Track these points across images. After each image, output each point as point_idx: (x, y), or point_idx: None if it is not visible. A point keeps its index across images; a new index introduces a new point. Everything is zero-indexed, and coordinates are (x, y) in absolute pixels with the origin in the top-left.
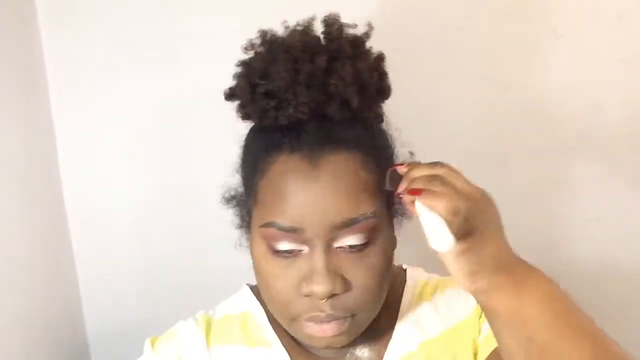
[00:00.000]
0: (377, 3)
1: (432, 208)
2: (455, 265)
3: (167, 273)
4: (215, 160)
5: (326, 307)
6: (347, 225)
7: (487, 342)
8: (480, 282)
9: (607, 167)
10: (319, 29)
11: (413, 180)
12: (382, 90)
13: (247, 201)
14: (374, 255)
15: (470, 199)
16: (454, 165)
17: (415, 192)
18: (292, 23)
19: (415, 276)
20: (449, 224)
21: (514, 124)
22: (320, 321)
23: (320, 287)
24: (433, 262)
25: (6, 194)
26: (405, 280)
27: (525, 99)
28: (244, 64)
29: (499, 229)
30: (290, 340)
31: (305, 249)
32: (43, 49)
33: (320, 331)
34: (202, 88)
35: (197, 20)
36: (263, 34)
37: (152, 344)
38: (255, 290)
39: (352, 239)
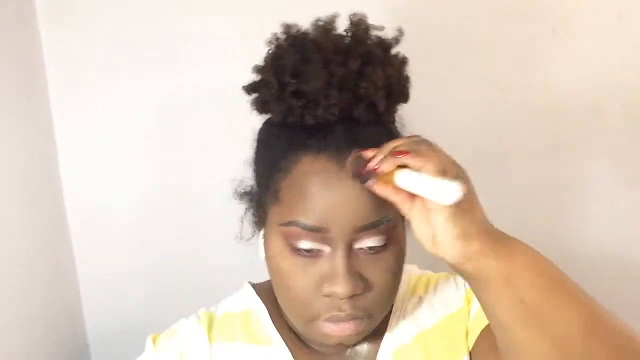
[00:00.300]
0: (377, 3)
1: (420, 168)
2: (446, 226)
3: (167, 273)
4: (215, 160)
5: (346, 306)
6: (370, 228)
7: (476, 323)
8: (472, 245)
9: (607, 167)
10: (340, 26)
11: (394, 147)
12: (405, 95)
13: (262, 198)
14: (390, 256)
15: (455, 163)
16: None
17: (401, 152)
18: (297, 21)
19: (409, 272)
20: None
21: (514, 124)
22: (339, 320)
23: (342, 287)
24: (427, 262)
25: (6, 194)
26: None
27: (525, 99)
28: (274, 59)
29: (478, 199)
30: (292, 338)
31: (327, 249)
32: (43, 49)
33: (338, 330)
34: (201, 88)
35: (197, 20)
36: (287, 28)
37: (154, 341)
38: (257, 288)
39: (372, 241)
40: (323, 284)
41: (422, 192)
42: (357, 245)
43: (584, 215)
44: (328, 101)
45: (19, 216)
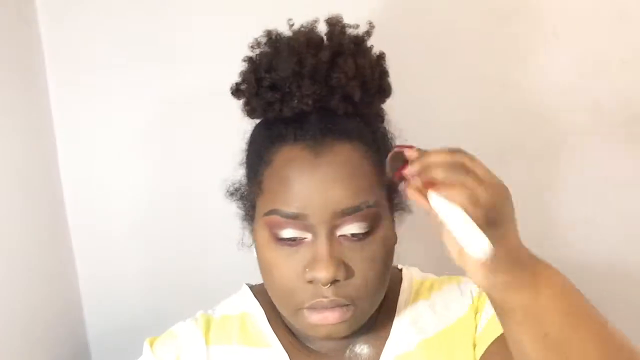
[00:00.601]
0: (377, 3)
1: (450, 199)
2: (474, 259)
3: (167, 273)
4: (216, 160)
5: (329, 292)
6: (349, 213)
7: (486, 335)
8: (501, 278)
9: (606, 168)
10: (322, 30)
11: (428, 166)
12: (383, 89)
13: (251, 193)
14: (375, 245)
15: (493, 189)
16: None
17: (430, 184)
18: (292, 21)
19: (411, 276)
20: (471, 216)
21: (513, 124)
22: (323, 307)
23: (323, 272)
24: (436, 262)
25: (6, 194)
26: (400, 279)
27: (524, 99)
28: (250, 59)
29: (515, 222)
30: (290, 340)
31: (309, 236)
32: (43, 49)
33: (323, 319)
34: (202, 88)
35: (197, 20)
36: (268, 33)
37: (151, 344)
38: (254, 290)
39: (354, 227)
40: (305, 270)
41: (452, 228)
42: (340, 232)
43: (583, 215)
44: (301, 92)
45: (19, 216)
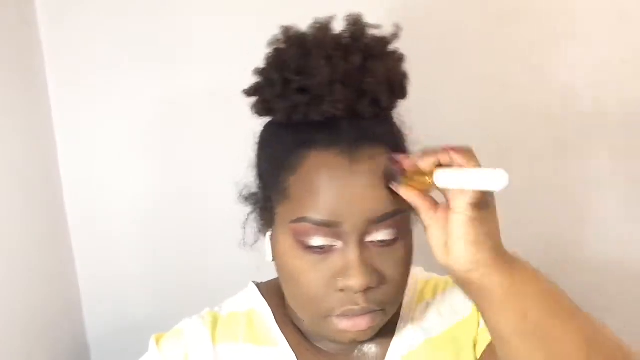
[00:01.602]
0: (377, 3)
1: (465, 165)
2: (464, 230)
3: (167, 272)
4: (216, 160)
5: (361, 300)
6: (382, 220)
7: (485, 334)
8: (483, 253)
9: (607, 168)
10: (337, 28)
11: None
12: (403, 91)
13: (268, 198)
14: (402, 249)
15: None
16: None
17: (452, 149)
18: (296, 21)
19: (415, 275)
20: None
21: (514, 124)
22: (353, 315)
23: (357, 280)
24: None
25: (6, 194)
26: None
27: (525, 99)
28: (274, 57)
29: (496, 208)
30: (297, 339)
31: (339, 244)
32: (43, 49)
33: (352, 326)
34: (202, 88)
35: (197, 20)
36: (286, 29)
37: (157, 341)
38: (261, 288)
39: (384, 234)
40: (336, 279)
41: (467, 183)
42: (369, 239)
43: (583, 215)
44: (333, 96)
45: (19, 216)
